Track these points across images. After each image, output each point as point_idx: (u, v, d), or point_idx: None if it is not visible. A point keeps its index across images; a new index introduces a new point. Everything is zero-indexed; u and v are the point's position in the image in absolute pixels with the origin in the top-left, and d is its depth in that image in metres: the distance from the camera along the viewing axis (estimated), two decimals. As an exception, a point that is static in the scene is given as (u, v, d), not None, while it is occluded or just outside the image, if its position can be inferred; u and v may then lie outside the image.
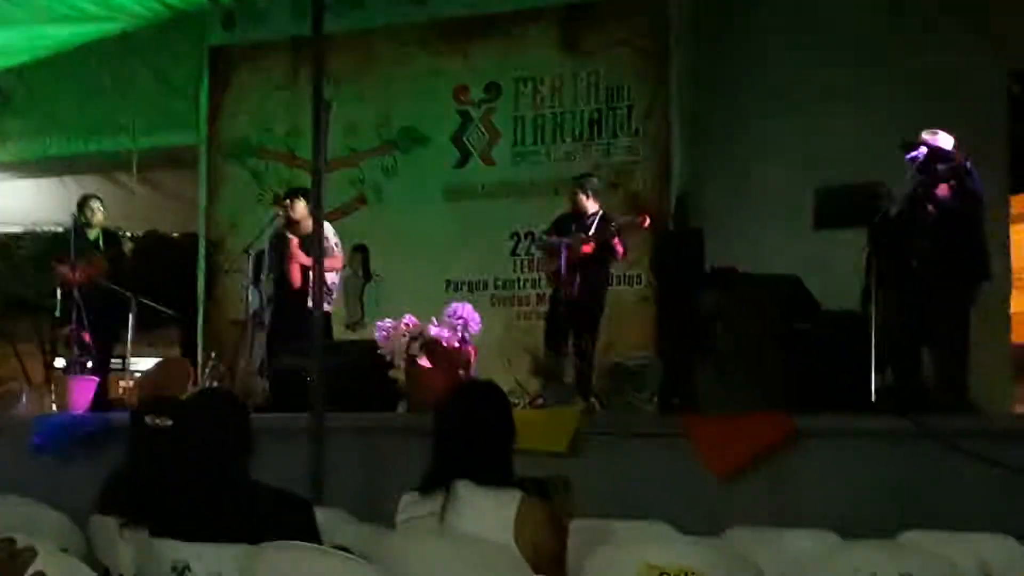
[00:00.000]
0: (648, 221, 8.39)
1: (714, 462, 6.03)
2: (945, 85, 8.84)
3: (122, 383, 9.53)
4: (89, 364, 8.76)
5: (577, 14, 9.90)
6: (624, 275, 9.35)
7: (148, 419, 4.09)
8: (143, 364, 9.77)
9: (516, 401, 7.84)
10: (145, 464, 4.02)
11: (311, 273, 7.58)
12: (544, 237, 8.71)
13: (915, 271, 6.72)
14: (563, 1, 9.97)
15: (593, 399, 7.36)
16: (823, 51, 9.35)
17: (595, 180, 8.76)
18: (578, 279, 8.25)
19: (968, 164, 6.88)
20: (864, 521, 5.53)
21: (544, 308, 9.02)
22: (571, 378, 7.80)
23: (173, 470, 3.54)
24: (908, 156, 6.96)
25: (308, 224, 8.36)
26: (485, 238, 9.93)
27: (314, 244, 7.11)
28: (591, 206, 8.51)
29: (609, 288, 8.80)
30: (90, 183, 11.92)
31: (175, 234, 12.81)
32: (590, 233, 8.34)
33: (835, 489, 5.86)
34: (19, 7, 9.74)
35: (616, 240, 8.26)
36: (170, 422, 3.91)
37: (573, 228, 8.44)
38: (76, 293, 8.93)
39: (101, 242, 9.42)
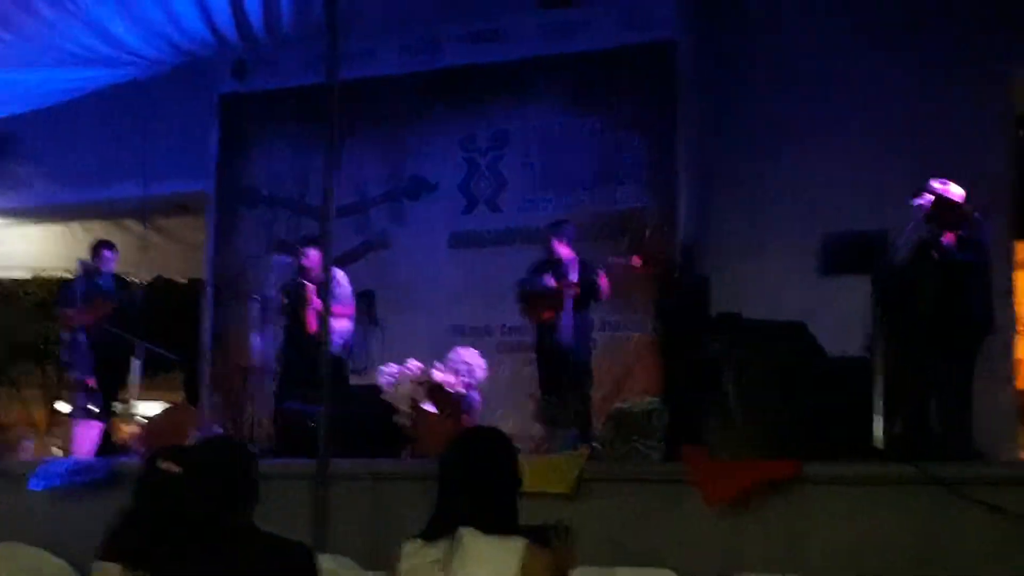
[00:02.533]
0: (639, 261, 8.41)
1: (708, 493, 6.01)
2: (949, 131, 8.90)
3: (127, 428, 9.54)
4: (94, 409, 8.77)
5: (584, 63, 9.97)
6: (630, 321, 9.36)
7: (163, 464, 4.10)
8: (149, 409, 9.78)
9: (520, 447, 7.85)
10: (152, 510, 4.02)
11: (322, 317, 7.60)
12: (527, 283, 8.70)
13: (920, 319, 6.73)
14: (571, 50, 10.03)
15: (597, 444, 7.36)
16: (828, 98, 9.42)
17: (570, 226, 8.80)
18: (565, 325, 8.28)
19: (977, 215, 6.90)
20: (870, 568, 5.54)
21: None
22: (573, 423, 7.79)
23: (178, 517, 3.54)
24: (915, 203, 6.99)
25: (319, 272, 8.44)
26: (491, 284, 9.94)
27: (324, 289, 7.15)
28: (566, 252, 8.56)
29: (614, 333, 8.82)
30: (99, 229, 12.02)
31: (183, 280, 12.87)
32: (572, 279, 8.38)
33: (841, 536, 5.84)
34: (29, 48, 9.81)
35: (603, 281, 8.27)
36: (180, 469, 3.92)
37: (551, 272, 8.49)
38: (82, 338, 8.96)
39: (111, 287, 9.47)
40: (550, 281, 8.44)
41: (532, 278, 8.65)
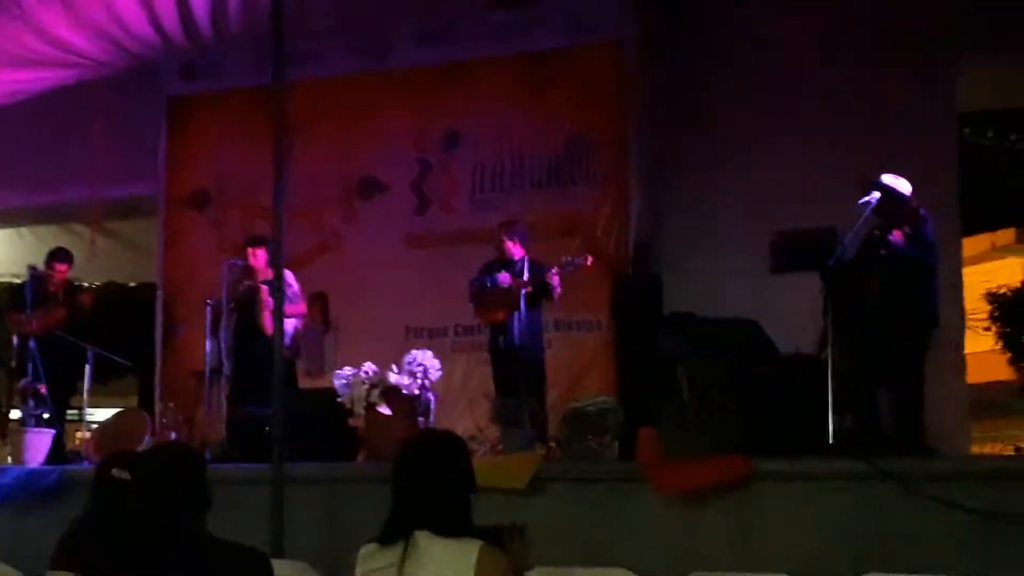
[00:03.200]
0: (591, 260, 8.43)
1: (660, 482, 6.04)
2: (897, 129, 8.99)
3: (79, 435, 9.45)
4: (46, 416, 8.68)
5: (536, 62, 9.98)
6: (584, 320, 9.39)
7: (114, 472, 4.07)
8: (101, 415, 9.69)
9: (477, 448, 7.86)
10: (104, 518, 3.99)
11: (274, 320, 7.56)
12: (487, 280, 8.70)
13: (869, 315, 6.80)
14: (522, 50, 10.04)
15: (553, 444, 7.37)
16: (776, 96, 9.49)
17: (521, 226, 8.82)
18: (518, 324, 8.30)
19: (923, 211, 6.98)
20: (824, 564, 5.59)
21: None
22: (529, 423, 7.80)
23: (131, 524, 3.51)
24: (861, 200, 7.05)
25: (267, 272, 8.42)
26: (445, 285, 9.91)
27: (276, 292, 7.11)
28: (517, 251, 8.58)
29: (568, 333, 8.84)
30: (47, 233, 11.88)
31: (132, 284, 12.76)
32: (524, 278, 8.39)
33: (795, 532, 5.89)
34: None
35: (555, 279, 8.30)
36: (130, 475, 3.89)
37: (502, 271, 8.50)
38: (32, 344, 8.86)
39: (60, 293, 9.37)
40: (505, 279, 8.44)
41: (484, 278, 8.64)
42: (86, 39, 10.07)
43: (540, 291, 8.39)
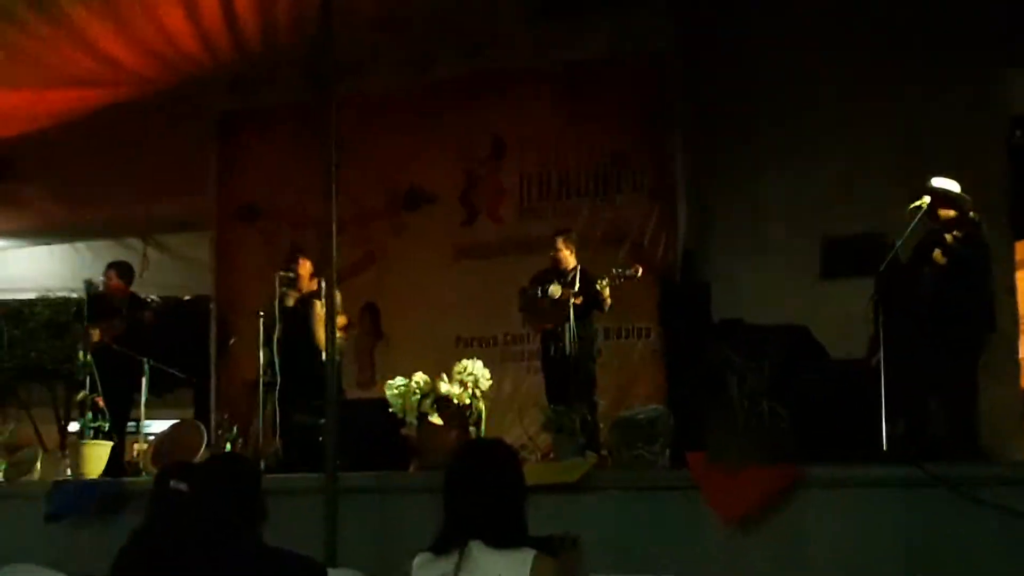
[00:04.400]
0: (641, 271, 8.44)
1: (720, 507, 6.03)
2: (945, 132, 8.91)
3: (136, 446, 9.57)
4: (104, 428, 8.80)
5: (580, 73, 10.00)
6: (634, 328, 9.40)
7: (172, 483, 4.13)
8: (158, 427, 9.80)
9: (528, 456, 7.89)
10: (163, 529, 4.06)
11: (327, 331, 7.63)
12: (529, 291, 8.72)
13: (922, 320, 6.75)
14: (566, 60, 10.07)
15: (604, 452, 7.38)
16: (827, 101, 9.43)
17: (574, 234, 8.83)
18: (568, 333, 8.32)
19: (973, 215, 6.93)
20: (875, 572, 5.56)
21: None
22: (580, 432, 7.81)
23: (189, 535, 3.57)
24: (912, 206, 7.01)
25: (311, 283, 8.55)
26: (494, 294, 9.96)
27: (328, 304, 7.18)
28: (570, 260, 8.59)
29: (618, 341, 8.86)
30: (102, 248, 12.05)
31: (187, 297, 12.90)
32: (575, 287, 8.41)
33: (846, 539, 5.86)
34: (25, 68, 9.82)
35: (606, 290, 8.31)
36: (188, 487, 3.95)
37: (554, 281, 8.52)
38: (90, 358, 9.00)
39: (125, 307, 9.52)
40: (547, 291, 8.46)
41: (534, 287, 8.67)
42: (136, 56, 10.22)
43: (590, 302, 8.41)
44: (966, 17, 9.10)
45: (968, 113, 8.99)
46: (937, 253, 6.81)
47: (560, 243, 8.67)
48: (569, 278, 8.54)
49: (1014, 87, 9.27)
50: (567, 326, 8.31)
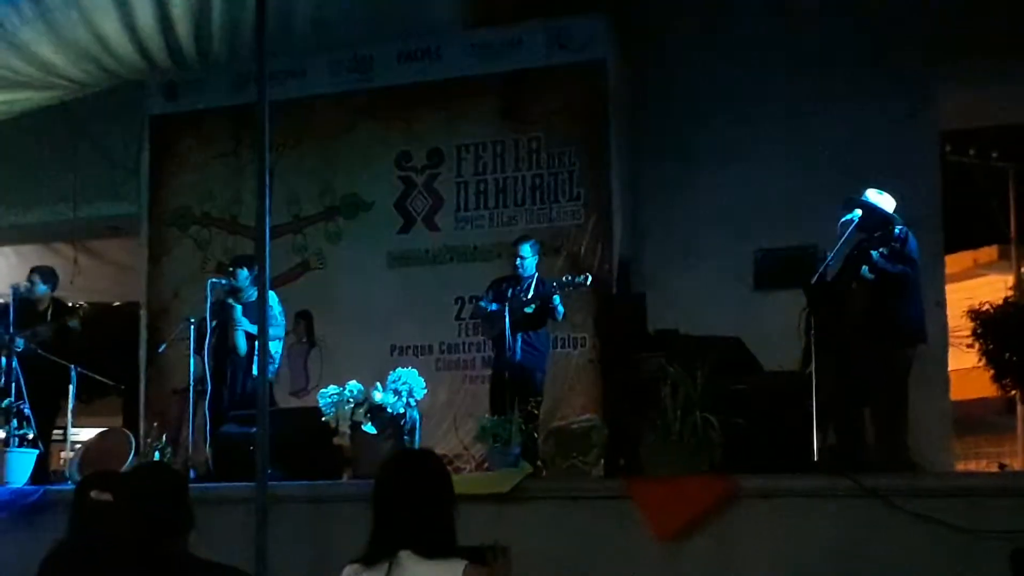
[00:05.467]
0: (590, 278, 8.46)
1: (657, 525, 6.05)
2: (879, 146, 9.04)
3: (63, 454, 9.40)
4: (29, 436, 8.63)
5: (517, 82, 10.00)
6: (569, 338, 9.40)
7: (93, 493, 4.04)
8: (85, 435, 9.63)
9: (463, 466, 7.85)
10: (86, 539, 3.96)
11: (256, 341, 7.56)
12: (482, 304, 8.72)
13: (853, 333, 6.82)
14: (504, 69, 10.07)
15: (539, 463, 7.36)
16: (760, 116, 9.53)
17: (536, 242, 8.84)
18: (519, 342, 8.31)
19: (902, 230, 7.01)
20: (808, 581, 5.59)
21: (489, 372, 9.02)
22: (517, 443, 7.78)
23: (112, 545, 3.49)
24: (844, 219, 7.08)
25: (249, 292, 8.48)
26: (430, 303, 9.94)
27: (259, 311, 7.09)
28: (529, 268, 8.58)
29: (553, 351, 8.86)
30: (30, 253, 11.84)
31: (117, 303, 12.72)
32: (529, 296, 8.40)
33: (778, 549, 5.90)
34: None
35: (556, 300, 8.32)
36: (111, 496, 3.86)
37: (510, 291, 8.50)
38: (15, 364, 8.83)
39: (50, 313, 9.35)
40: (502, 301, 8.44)
41: (485, 298, 8.64)
42: (70, 60, 10.09)
43: (545, 311, 8.40)
44: (901, 35, 9.25)
45: (902, 128, 9.13)
46: (865, 269, 6.89)
47: (525, 250, 8.64)
48: (524, 285, 8.52)
49: (946, 104, 9.42)
50: (519, 335, 8.29)
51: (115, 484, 3.91)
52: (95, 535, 3.87)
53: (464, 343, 9.89)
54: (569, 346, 9.44)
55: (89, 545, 3.87)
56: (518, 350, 8.33)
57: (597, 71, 9.73)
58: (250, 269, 8.71)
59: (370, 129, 10.46)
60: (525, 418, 7.91)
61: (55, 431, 9.53)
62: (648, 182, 9.92)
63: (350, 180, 10.50)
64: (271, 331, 8.11)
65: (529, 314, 8.39)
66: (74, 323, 9.25)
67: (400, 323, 9.99)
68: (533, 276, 8.60)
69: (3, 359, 8.97)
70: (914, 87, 9.24)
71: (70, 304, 9.72)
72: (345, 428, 7.58)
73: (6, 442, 8.69)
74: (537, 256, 8.71)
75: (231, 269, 8.96)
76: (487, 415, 8.41)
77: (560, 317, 8.50)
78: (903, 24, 9.25)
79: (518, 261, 8.61)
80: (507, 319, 8.28)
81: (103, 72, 10.47)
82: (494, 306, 8.48)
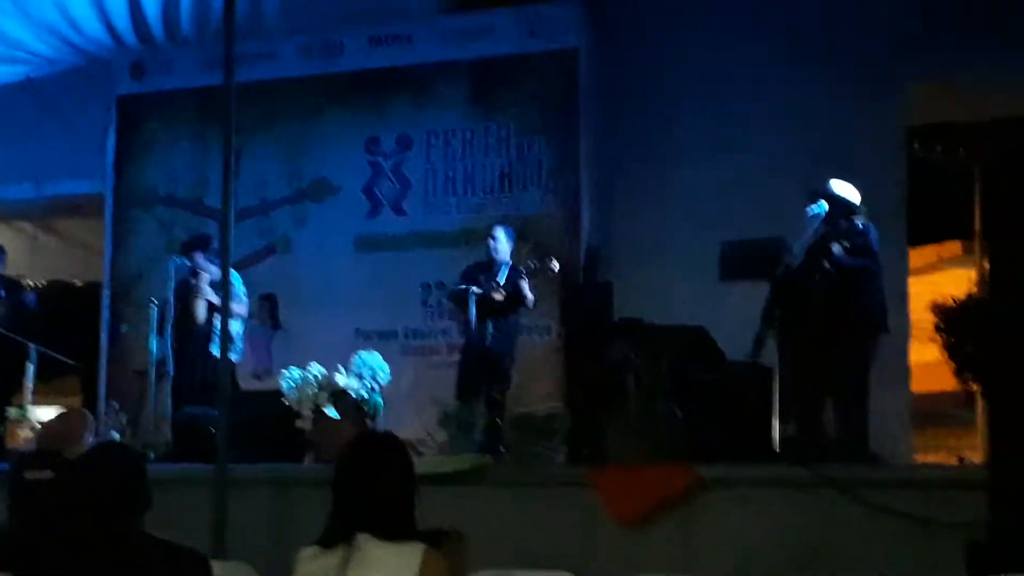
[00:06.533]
0: (557, 266, 8.46)
1: (619, 513, 6.06)
2: (847, 140, 9.06)
3: (21, 433, 9.30)
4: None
5: (488, 69, 9.98)
6: (535, 326, 9.39)
7: (26, 474, 3.99)
8: (44, 414, 9.54)
9: (424, 451, 7.84)
10: (27, 519, 3.92)
11: (217, 318, 7.53)
12: (454, 288, 8.72)
13: (815, 324, 6.85)
14: (475, 56, 10.04)
15: (502, 449, 7.36)
16: (728, 107, 9.53)
17: (510, 228, 8.83)
18: (490, 329, 8.30)
19: (863, 223, 7.04)
20: (766, 570, 5.62)
21: (454, 358, 9.01)
22: (481, 429, 7.79)
23: (61, 524, 3.45)
24: (809, 212, 7.11)
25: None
26: (395, 288, 9.91)
27: (222, 293, 7.05)
28: (503, 255, 8.57)
29: (520, 338, 8.86)
30: (-10, 230, 11.72)
31: (79, 283, 12.61)
32: (500, 282, 8.39)
33: (738, 538, 5.92)
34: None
35: (526, 287, 8.32)
36: (50, 474, 3.82)
37: (483, 278, 8.48)
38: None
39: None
40: (474, 286, 8.42)
41: (460, 283, 8.62)
42: (36, 36, 9.99)
43: (516, 298, 8.39)
44: (870, 28, 9.28)
45: (869, 122, 9.15)
46: (825, 264, 6.92)
47: (500, 234, 8.62)
48: (495, 272, 8.50)
49: (914, 99, 9.46)
50: (488, 322, 8.28)
51: (55, 463, 3.86)
52: (34, 515, 3.81)
53: (429, 329, 9.89)
54: (535, 334, 9.44)
55: (31, 525, 3.82)
56: (488, 336, 8.31)
57: (569, 60, 9.73)
58: (205, 251, 8.67)
59: (339, 113, 10.42)
60: (490, 405, 7.93)
61: (13, 410, 9.43)
62: (617, 172, 9.92)
63: (318, 164, 10.46)
64: (233, 307, 8.08)
65: (499, 301, 8.37)
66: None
67: (365, 307, 9.96)
68: (506, 263, 8.57)
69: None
70: (884, 81, 9.26)
71: (21, 282, 9.62)
72: (307, 412, 7.55)
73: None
74: (512, 243, 8.69)
75: (190, 251, 8.94)
76: (451, 401, 8.43)
77: (531, 304, 8.50)
78: (872, 18, 9.28)
79: (491, 243, 8.59)
80: (473, 306, 8.27)
81: (70, 49, 10.38)
82: (472, 288, 8.45)
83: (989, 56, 9.11)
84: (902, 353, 8.87)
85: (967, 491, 5.57)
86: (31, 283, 9.69)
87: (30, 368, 8.82)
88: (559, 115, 9.77)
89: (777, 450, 6.37)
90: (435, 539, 3.32)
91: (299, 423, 7.67)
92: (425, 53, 10.19)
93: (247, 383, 9.39)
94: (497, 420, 7.84)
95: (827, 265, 6.90)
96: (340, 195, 10.38)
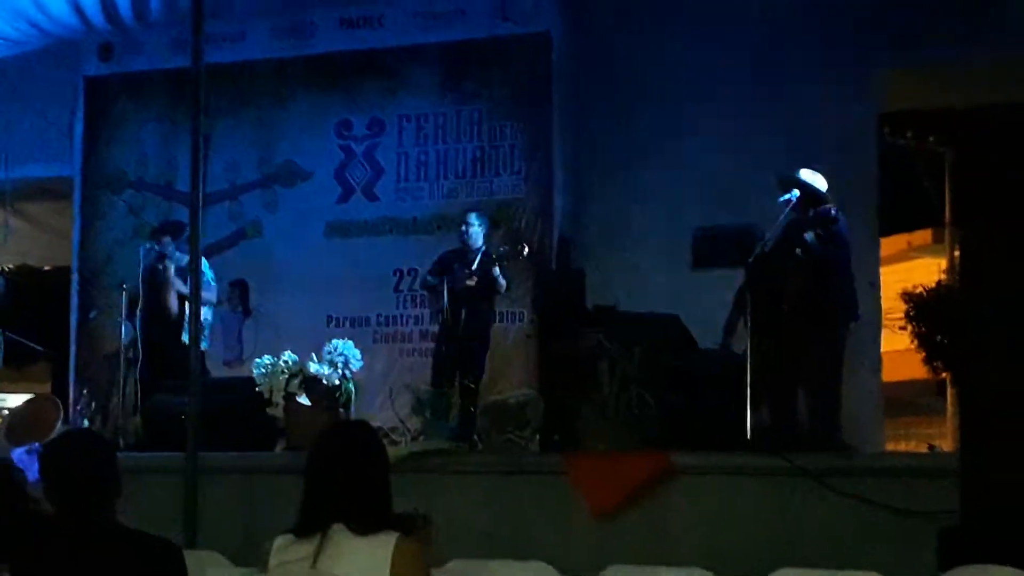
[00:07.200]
0: (527, 250, 8.44)
1: (591, 500, 6.06)
2: (819, 128, 9.06)
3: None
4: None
5: (460, 53, 9.94)
6: (507, 313, 9.38)
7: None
8: (13, 401, 9.47)
9: (398, 439, 7.81)
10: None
11: (186, 306, 7.47)
12: (428, 276, 8.69)
13: (787, 312, 6.86)
14: (447, 39, 9.99)
15: (475, 436, 7.35)
16: (701, 91, 9.51)
17: (484, 216, 8.81)
18: (463, 316, 8.28)
19: (834, 211, 7.05)
20: (738, 558, 5.63)
21: (427, 345, 8.98)
22: (454, 416, 7.76)
23: (29, 513, 3.42)
24: (781, 199, 7.11)
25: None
26: (368, 274, 9.87)
27: (192, 279, 7.00)
28: (477, 241, 8.55)
29: (493, 325, 8.84)
30: (-43, 214, 11.58)
31: (47, 267, 12.50)
32: (473, 268, 8.37)
33: (711, 527, 5.94)
34: None
35: (498, 272, 8.30)
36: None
37: (456, 265, 8.46)
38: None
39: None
40: (447, 274, 8.39)
41: (434, 269, 8.60)
42: (2, 18, 9.86)
43: (489, 285, 8.37)
44: (840, 15, 9.27)
45: (840, 109, 9.15)
46: (797, 251, 6.93)
47: (474, 221, 8.59)
48: (469, 258, 8.47)
49: (884, 85, 9.48)
50: (463, 309, 8.25)
51: (44, 451, 3.82)
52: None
53: (402, 315, 9.85)
54: (507, 320, 9.43)
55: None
56: (461, 324, 8.29)
57: (541, 44, 9.70)
58: (175, 236, 8.61)
59: (310, 97, 10.36)
60: (463, 393, 7.91)
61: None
62: (590, 158, 9.89)
63: (289, 148, 10.40)
64: (203, 295, 8.02)
65: (473, 288, 8.35)
66: None
67: (337, 294, 9.92)
68: (479, 250, 8.55)
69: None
70: (852, 68, 9.27)
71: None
72: (279, 399, 7.50)
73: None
74: (485, 229, 8.67)
75: (159, 237, 8.87)
76: (424, 387, 8.40)
77: (503, 289, 8.48)
78: (841, 4, 9.28)
79: (464, 228, 8.57)
80: (446, 294, 8.26)
81: (37, 31, 10.25)
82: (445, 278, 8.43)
83: (959, 43, 9.13)
84: (873, 341, 8.91)
85: (938, 479, 5.61)
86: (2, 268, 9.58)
87: (-2, 354, 8.75)
88: (532, 100, 9.74)
89: (749, 438, 6.37)
90: (403, 521, 3.31)
91: (270, 410, 7.63)
92: (397, 36, 10.14)
93: (218, 370, 9.34)
94: (471, 408, 7.82)
95: (799, 252, 6.90)
96: (311, 180, 10.32)
